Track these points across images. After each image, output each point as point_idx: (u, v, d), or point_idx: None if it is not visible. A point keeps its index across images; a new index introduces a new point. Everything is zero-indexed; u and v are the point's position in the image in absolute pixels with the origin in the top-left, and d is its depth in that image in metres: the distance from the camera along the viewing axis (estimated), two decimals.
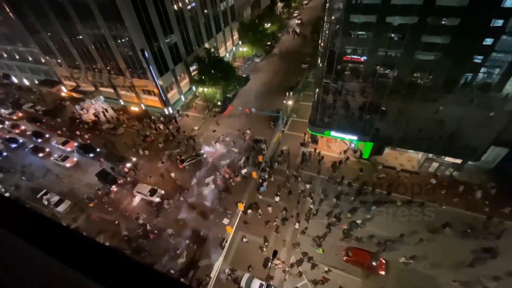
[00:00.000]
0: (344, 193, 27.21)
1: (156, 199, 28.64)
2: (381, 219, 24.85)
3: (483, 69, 27.95)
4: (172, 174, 31.40)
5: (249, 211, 26.64)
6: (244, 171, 30.66)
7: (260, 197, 27.86)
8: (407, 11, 25.79)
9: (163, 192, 29.30)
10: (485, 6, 23.19)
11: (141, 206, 28.81)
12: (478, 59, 26.97)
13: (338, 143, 32.80)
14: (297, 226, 24.83)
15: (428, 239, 22.88)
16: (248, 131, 35.88)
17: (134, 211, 28.22)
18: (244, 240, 24.63)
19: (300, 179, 29.21)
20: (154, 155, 34.61)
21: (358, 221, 24.41)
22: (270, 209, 26.24)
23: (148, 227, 26.16)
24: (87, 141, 37.76)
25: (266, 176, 29.78)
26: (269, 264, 20.14)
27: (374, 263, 21.32)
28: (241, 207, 26.52)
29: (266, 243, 24.17)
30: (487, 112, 26.04)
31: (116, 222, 27.09)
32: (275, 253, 18.30)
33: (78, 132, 39.67)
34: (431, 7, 24.91)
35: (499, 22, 24.40)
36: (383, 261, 21.61)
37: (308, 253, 22.98)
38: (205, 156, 33.23)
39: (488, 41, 25.45)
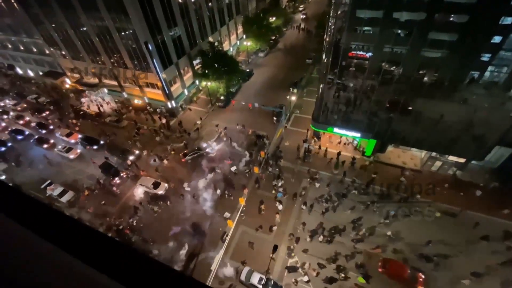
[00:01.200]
0: (362, 196, 26.47)
1: (160, 192, 28.86)
2: (414, 227, 23.98)
3: (490, 68, 27.56)
4: (165, 162, 32.11)
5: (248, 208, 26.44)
6: (233, 168, 30.61)
7: (280, 207, 26.15)
8: (415, 7, 25.37)
9: (166, 185, 29.50)
10: (494, 3, 22.74)
11: (144, 199, 29.05)
12: (485, 57, 26.57)
13: (341, 140, 32.64)
14: (321, 238, 23.65)
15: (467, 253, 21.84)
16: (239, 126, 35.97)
17: (136, 203, 28.49)
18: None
19: (315, 181, 28.20)
20: (151, 148, 34.77)
21: (389, 233, 23.49)
22: (278, 216, 25.53)
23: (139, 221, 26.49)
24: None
25: (280, 183, 28.39)
26: (270, 258, 20.30)
27: (412, 278, 20.21)
28: (242, 201, 26.67)
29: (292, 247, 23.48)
30: (493, 110, 25.70)
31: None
32: (275, 248, 18.44)
33: (76, 122, 40.00)
34: (439, 3, 24.47)
35: (508, 20, 23.94)
36: (422, 276, 20.38)
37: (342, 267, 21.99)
38: (207, 150, 33.33)
39: (497, 39, 25.02)
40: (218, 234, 25.12)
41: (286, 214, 26.12)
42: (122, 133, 37.73)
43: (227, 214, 26.50)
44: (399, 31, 27.60)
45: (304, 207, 26.12)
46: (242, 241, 24.53)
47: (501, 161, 26.60)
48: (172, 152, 33.79)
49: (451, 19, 26.10)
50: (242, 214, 26.31)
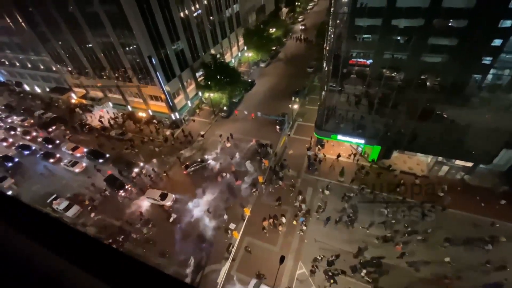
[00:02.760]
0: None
1: (168, 203, 28.73)
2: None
3: (492, 71, 27.48)
4: (163, 173, 32.47)
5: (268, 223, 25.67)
6: (237, 183, 30.35)
7: (304, 227, 24.97)
8: (413, 13, 25.65)
9: (174, 196, 29.43)
10: (493, 7, 22.90)
11: (150, 211, 28.94)
12: (487, 60, 26.55)
13: (345, 147, 32.48)
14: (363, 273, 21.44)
15: None
16: (228, 140, 35.74)
17: (140, 215, 28.39)
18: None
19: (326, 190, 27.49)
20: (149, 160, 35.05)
21: (447, 259, 21.43)
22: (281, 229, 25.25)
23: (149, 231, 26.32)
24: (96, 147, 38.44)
25: (300, 197, 27.11)
26: (277, 270, 19.86)
27: None
28: (247, 211, 26.43)
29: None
30: (498, 113, 25.45)
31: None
32: (282, 259, 18.07)
33: (86, 138, 40.50)
34: (438, 9, 24.72)
35: (508, 23, 24.03)
36: None
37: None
38: (209, 162, 33.29)
39: (497, 42, 25.05)
40: (224, 246, 24.77)
41: (291, 225, 25.70)
42: (133, 146, 38.10)
43: (232, 225, 26.19)
44: (399, 38, 27.84)
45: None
46: (249, 253, 24.11)
47: (510, 164, 26.11)
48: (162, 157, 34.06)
49: (449, 24, 26.29)
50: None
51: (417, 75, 28.55)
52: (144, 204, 29.61)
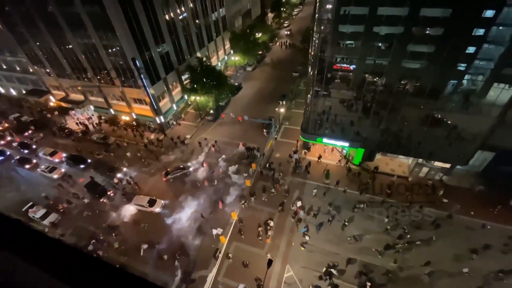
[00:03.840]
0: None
1: (157, 209, 27.89)
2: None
3: (467, 76, 29.02)
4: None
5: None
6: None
7: (307, 237, 24.18)
8: (393, 21, 26.75)
9: (163, 202, 28.68)
10: (467, 16, 24.24)
11: (135, 218, 28.06)
12: (462, 66, 28.04)
13: (331, 150, 33.06)
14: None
15: None
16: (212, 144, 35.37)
17: (126, 224, 27.48)
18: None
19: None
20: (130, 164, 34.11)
21: (465, 270, 21.04)
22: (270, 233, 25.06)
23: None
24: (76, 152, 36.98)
25: (299, 204, 26.62)
26: (265, 274, 19.75)
27: None
28: (234, 216, 26.22)
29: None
30: (472, 117, 26.83)
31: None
32: (270, 263, 18.01)
33: (65, 142, 38.89)
34: (416, 17, 25.90)
35: (481, 31, 25.51)
36: None
37: None
38: (191, 169, 32.47)
39: (471, 50, 26.53)
40: (210, 251, 24.37)
41: (279, 229, 25.70)
42: (112, 151, 36.89)
43: (219, 230, 25.84)
44: (380, 44, 28.93)
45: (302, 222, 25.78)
46: (236, 257, 23.83)
47: (485, 165, 27.52)
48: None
49: (427, 32, 27.61)
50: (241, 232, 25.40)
51: (398, 80, 29.70)
52: (130, 211, 28.54)
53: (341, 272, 21.79)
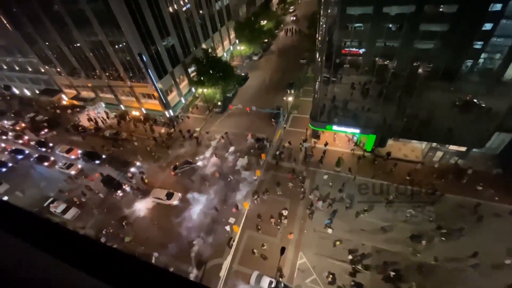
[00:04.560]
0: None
1: (175, 202, 28.53)
2: None
3: (483, 55, 27.67)
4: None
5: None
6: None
7: (330, 230, 23.98)
8: (404, 0, 25.58)
9: (180, 194, 29.23)
10: None
11: (152, 210, 28.93)
12: (478, 44, 26.72)
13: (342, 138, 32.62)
14: None
15: None
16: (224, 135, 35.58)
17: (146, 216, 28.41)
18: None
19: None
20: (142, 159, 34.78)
21: (508, 262, 19.90)
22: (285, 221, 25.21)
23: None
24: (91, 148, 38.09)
25: (318, 194, 26.48)
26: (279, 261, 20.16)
27: None
28: (246, 205, 26.59)
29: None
30: (490, 97, 25.78)
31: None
32: (283, 250, 18.34)
33: (79, 139, 40.07)
34: None
35: (498, 7, 24.10)
36: None
37: None
38: (199, 163, 32.54)
39: (488, 26, 25.17)
40: (224, 240, 24.99)
41: (291, 217, 25.92)
42: (125, 146, 37.83)
43: (232, 220, 26.37)
44: (390, 25, 27.83)
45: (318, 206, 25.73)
46: (249, 245, 24.37)
47: (502, 147, 26.58)
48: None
49: (440, 9, 26.30)
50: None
51: (410, 62, 28.66)
52: (145, 204, 29.33)
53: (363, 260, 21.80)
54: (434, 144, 27.81)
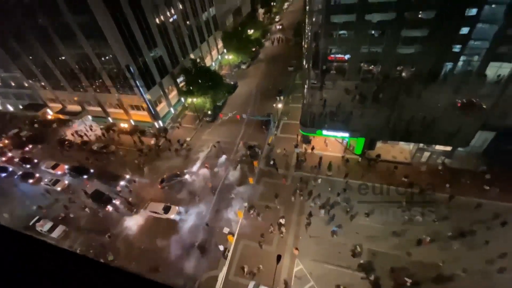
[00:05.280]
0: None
1: (172, 216, 27.50)
2: None
3: (462, 57, 28.78)
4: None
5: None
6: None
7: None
8: (385, 7, 26.52)
9: (178, 208, 28.32)
10: None
11: (145, 225, 28.17)
12: (456, 48, 27.82)
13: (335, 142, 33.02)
14: None
15: None
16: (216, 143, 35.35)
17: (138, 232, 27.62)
18: None
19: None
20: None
21: None
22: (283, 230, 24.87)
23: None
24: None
25: (318, 202, 26.14)
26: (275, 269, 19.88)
27: None
28: (240, 215, 26.30)
29: None
30: (470, 97, 26.73)
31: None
32: (279, 258, 18.12)
33: (66, 154, 38.99)
34: (407, 2, 25.67)
35: (473, 11, 25.27)
36: None
37: None
38: (186, 176, 31.75)
39: (465, 30, 26.30)
40: (219, 251, 24.50)
41: (287, 223, 25.70)
42: (111, 159, 36.98)
43: (226, 229, 25.96)
44: (373, 32, 28.74)
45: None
46: (245, 255, 23.98)
47: (486, 145, 27.48)
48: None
49: (419, 16, 27.38)
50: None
51: (393, 66, 29.53)
52: (136, 220, 28.43)
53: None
54: (421, 145, 28.51)
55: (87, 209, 30.28)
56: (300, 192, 27.92)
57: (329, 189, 27.46)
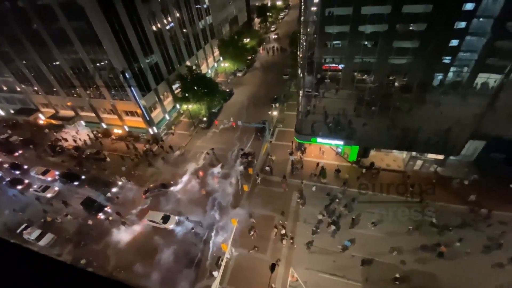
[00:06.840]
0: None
1: (171, 226, 26.65)
2: None
3: (452, 68, 29.54)
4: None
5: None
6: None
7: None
8: (377, 19, 27.20)
9: (177, 217, 27.56)
10: (448, 10, 24.79)
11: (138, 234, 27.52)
12: (447, 59, 28.56)
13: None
14: None
15: None
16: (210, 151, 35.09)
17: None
18: None
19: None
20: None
21: None
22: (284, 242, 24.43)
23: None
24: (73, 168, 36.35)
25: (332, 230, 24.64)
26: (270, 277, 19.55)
27: None
28: (234, 222, 25.97)
29: None
30: (461, 107, 27.30)
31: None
32: (273, 267, 17.88)
33: (57, 160, 38.24)
34: (399, 14, 26.40)
35: (462, 24, 26.08)
36: None
37: None
38: (172, 188, 31.26)
39: (454, 42, 27.07)
40: (212, 260, 24.04)
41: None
42: (103, 165, 36.39)
43: (219, 238, 25.55)
44: (366, 43, 29.40)
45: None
46: (239, 264, 23.57)
47: (477, 154, 27.99)
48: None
49: (411, 28, 28.14)
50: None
51: (386, 76, 30.11)
52: (128, 230, 27.71)
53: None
54: (414, 154, 28.88)
55: (69, 216, 29.50)
56: (298, 200, 27.80)
57: (337, 200, 26.99)
